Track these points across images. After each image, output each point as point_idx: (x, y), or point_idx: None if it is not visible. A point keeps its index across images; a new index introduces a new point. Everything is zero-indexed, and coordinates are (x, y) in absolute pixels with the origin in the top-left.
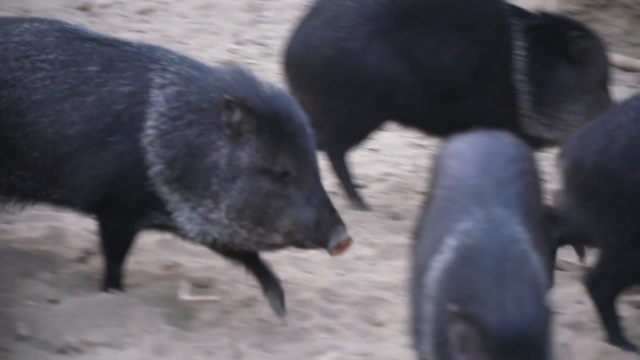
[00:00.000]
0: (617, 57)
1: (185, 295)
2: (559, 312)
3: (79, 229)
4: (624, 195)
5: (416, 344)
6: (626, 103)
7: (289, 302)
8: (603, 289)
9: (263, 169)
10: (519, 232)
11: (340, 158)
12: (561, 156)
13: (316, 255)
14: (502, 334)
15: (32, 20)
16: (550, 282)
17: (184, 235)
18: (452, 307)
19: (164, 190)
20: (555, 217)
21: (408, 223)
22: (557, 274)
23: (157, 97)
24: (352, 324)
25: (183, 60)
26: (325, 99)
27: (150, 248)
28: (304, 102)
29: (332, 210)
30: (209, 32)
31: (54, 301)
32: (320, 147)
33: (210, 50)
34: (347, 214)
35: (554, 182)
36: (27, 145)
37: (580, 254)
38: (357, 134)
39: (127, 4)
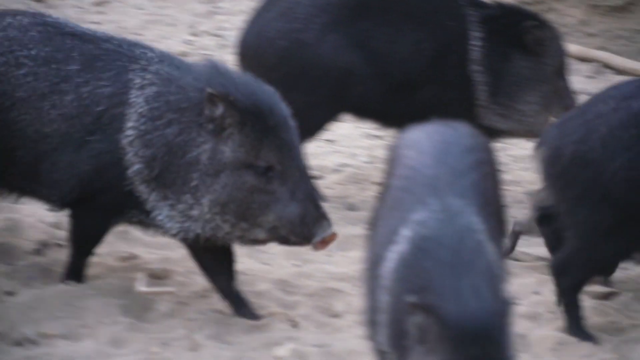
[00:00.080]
0: (573, 47)
1: (142, 287)
2: (516, 302)
3: (35, 220)
4: (603, 185)
5: (372, 335)
6: (605, 93)
7: (246, 293)
8: (570, 276)
9: (246, 163)
10: (474, 222)
11: None
12: (540, 145)
13: (272, 247)
14: (460, 324)
15: (15, 13)
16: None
17: (165, 233)
18: (410, 298)
19: (142, 190)
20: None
21: (364, 214)
22: (515, 265)
23: (137, 99)
24: (309, 315)
25: (162, 58)
26: (281, 90)
27: (106, 240)
28: None
29: (317, 204)
30: (164, 23)
31: (10, 293)
32: None
33: (166, 41)
34: None
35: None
36: (12, 143)
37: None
38: (313, 126)
39: None
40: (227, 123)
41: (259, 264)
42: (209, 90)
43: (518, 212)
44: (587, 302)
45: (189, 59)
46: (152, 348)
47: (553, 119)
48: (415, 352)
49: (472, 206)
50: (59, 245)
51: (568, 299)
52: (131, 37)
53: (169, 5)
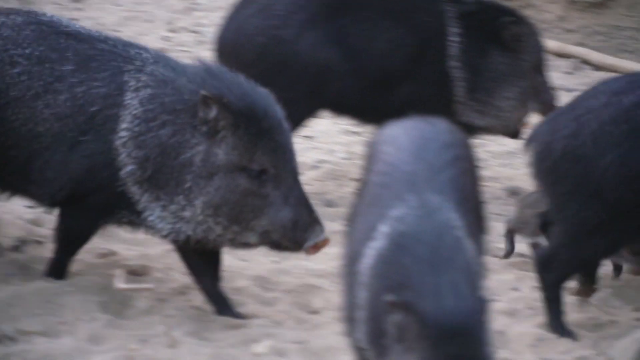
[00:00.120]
0: (551, 43)
1: (121, 284)
2: (495, 299)
3: (14, 217)
4: (593, 181)
5: (351, 332)
6: (596, 88)
7: (224, 289)
8: (554, 271)
9: (240, 166)
10: (452, 218)
11: None
12: (530, 141)
13: None
14: (439, 322)
15: (9, 12)
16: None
17: (156, 234)
18: (389, 297)
19: (134, 191)
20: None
21: (342, 210)
22: (493, 261)
23: (132, 100)
24: (288, 312)
25: (158, 59)
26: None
27: None
28: None
29: (310, 209)
30: (142, 19)
31: None
32: None
33: (144, 38)
34: None
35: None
36: (6, 142)
37: None
38: (291, 122)
39: None
40: (220, 125)
41: (238, 260)
42: (203, 92)
43: (497, 208)
44: (567, 298)
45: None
46: (131, 345)
47: (532, 115)
48: (394, 350)
49: (450, 202)
50: (38, 242)
51: (550, 294)
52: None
53: (147, 1)
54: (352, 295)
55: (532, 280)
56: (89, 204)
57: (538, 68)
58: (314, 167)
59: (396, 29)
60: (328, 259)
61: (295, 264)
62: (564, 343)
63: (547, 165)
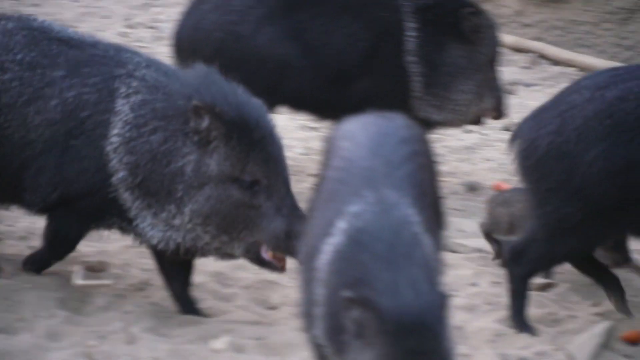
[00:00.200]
0: (508, 38)
1: (79, 280)
2: (453, 294)
3: None
4: (577, 177)
5: (309, 328)
6: (578, 83)
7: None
8: (524, 265)
9: (232, 177)
10: (410, 214)
11: None
12: (515, 138)
13: None
14: (397, 317)
15: (0, 18)
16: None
17: (146, 242)
18: (347, 293)
19: (126, 197)
20: None
21: (300, 206)
22: (452, 257)
23: (123, 107)
24: (246, 308)
25: (150, 64)
26: None
27: (42, 233)
28: None
29: (302, 220)
30: (100, 15)
31: None
32: None
33: (102, 34)
34: None
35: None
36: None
37: None
38: None
39: None
40: (212, 136)
41: None
42: (195, 102)
43: (455, 203)
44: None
45: None
46: (89, 341)
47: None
48: (353, 346)
49: (408, 198)
50: None
51: (516, 286)
52: None
53: None
54: (310, 292)
55: (491, 275)
56: (79, 208)
57: (492, 62)
58: None
59: (353, 24)
60: None
61: None
62: (523, 338)
63: (531, 162)
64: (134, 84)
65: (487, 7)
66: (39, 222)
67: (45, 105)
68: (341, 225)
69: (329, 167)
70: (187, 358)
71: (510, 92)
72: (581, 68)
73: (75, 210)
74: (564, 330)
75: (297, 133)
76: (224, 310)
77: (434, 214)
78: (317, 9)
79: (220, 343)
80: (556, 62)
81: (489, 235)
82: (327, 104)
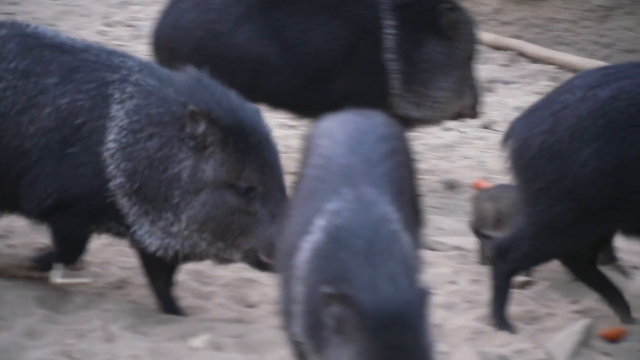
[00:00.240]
0: (487, 36)
1: (57, 278)
2: (432, 292)
3: None
4: (570, 177)
5: (287, 325)
6: (571, 82)
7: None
8: (509, 262)
9: (228, 183)
10: (388, 211)
11: None
12: (507, 137)
13: None
14: (377, 313)
15: None
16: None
17: (144, 248)
18: (326, 289)
19: (123, 203)
20: None
21: None
22: (431, 255)
23: (118, 112)
24: (225, 305)
25: (142, 68)
26: None
27: (21, 231)
28: None
29: None
30: (78, 14)
31: None
32: None
33: (80, 32)
34: None
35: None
36: None
37: None
38: None
39: None
40: (208, 141)
41: None
42: (191, 107)
43: (434, 201)
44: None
45: None
46: (68, 339)
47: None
48: (332, 342)
49: (386, 195)
50: None
51: (500, 283)
52: None
53: None
54: (289, 289)
55: (470, 273)
56: (77, 210)
57: (470, 59)
58: None
59: (331, 22)
60: None
61: None
62: (502, 336)
63: (524, 161)
64: (129, 89)
65: (466, 4)
66: (18, 221)
67: (39, 114)
68: (320, 222)
69: (307, 165)
70: (166, 356)
71: (489, 90)
72: (560, 66)
73: (73, 211)
74: (543, 327)
75: (275, 131)
76: (203, 308)
77: (412, 212)
78: (295, 7)
79: (199, 341)
80: (535, 59)
81: (478, 232)
82: (306, 102)
